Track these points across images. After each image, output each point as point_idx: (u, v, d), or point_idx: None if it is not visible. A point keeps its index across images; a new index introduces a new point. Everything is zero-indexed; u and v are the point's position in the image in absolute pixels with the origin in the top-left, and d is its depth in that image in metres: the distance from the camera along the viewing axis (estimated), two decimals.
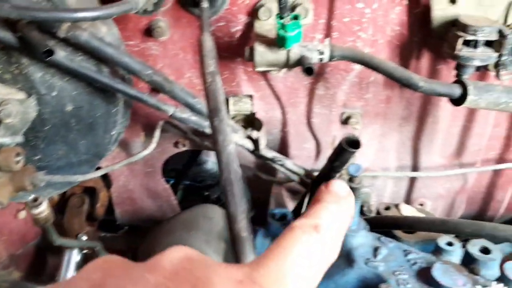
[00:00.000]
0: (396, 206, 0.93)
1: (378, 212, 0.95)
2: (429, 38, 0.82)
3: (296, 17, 0.68)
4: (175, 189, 1.26)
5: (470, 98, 0.72)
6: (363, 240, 0.74)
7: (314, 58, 0.72)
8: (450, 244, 0.74)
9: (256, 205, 1.11)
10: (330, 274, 0.72)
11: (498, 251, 0.77)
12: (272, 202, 1.03)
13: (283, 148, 0.95)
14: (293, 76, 0.85)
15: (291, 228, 0.38)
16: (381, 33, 0.81)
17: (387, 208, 0.94)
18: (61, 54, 0.65)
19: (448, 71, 0.84)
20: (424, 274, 0.68)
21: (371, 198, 1.04)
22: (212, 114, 0.52)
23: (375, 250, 0.72)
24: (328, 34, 0.80)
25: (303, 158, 0.95)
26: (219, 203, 1.25)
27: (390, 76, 0.72)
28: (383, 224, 0.86)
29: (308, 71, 0.68)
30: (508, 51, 0.77)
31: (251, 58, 0.72)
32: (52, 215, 0.75)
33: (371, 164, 1.00)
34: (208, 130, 0.76)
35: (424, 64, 0.86)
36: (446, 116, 0.93)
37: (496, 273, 0.74)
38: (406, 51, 0.84)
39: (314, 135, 0.93)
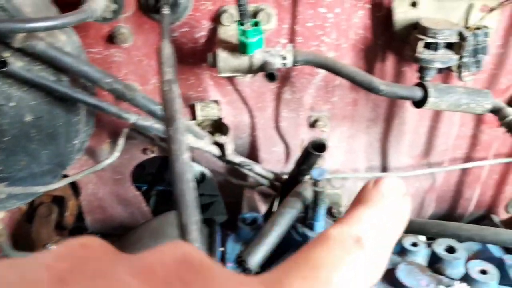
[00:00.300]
0: None
1: None
2: (393, 41, 0.83)
3: (256, 24, 0.68)
4: (148, 195, 1.25)
5: (431, 100, 0.73)
6: None
7: (276, 64, 0.72)
8: (415, 244, 0.75)
9: (230, 210, 1.11)
10: None
11: (463, 250, 0.79)
12: (245, 206, 1.03)
13: (253, 152, 0.95)
14: (259, 80, 0.85)
15: (326, 238, 0.29)
16: (344, 37, 0.81)
17: None
18: (18, 65, 0.63)
19: (412, 73, 0.86)
20: (388, 275, 0.69)
21: (342, 200, 1.06)
22: (167, 123, 0.52)
23: None
24: (292, 39, 0.80)
25: (273, 161, 0.95)
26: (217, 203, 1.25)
27: (352, 80, 0.73)
28: None
29: (270, 76, 0.68)
30: (469, 53, 0.79)
31: (214, 64, 0.72)
32: (5, 231, 0.74)
33: (341, 165, 1.01)
34: None
35: (389, 66, 0.87)
36: (412, 117, 0.94)
37: (462, 271, 0.76)
38: (371, 54, 0.85)
39: (283, 139, 0.93)
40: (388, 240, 0.32)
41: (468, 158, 1.02)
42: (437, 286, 0.67)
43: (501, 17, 0.82)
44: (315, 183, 0.69)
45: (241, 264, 0.65)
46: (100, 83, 0.67)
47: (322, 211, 0.73)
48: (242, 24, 0.66)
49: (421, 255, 0.74)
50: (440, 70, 0.84)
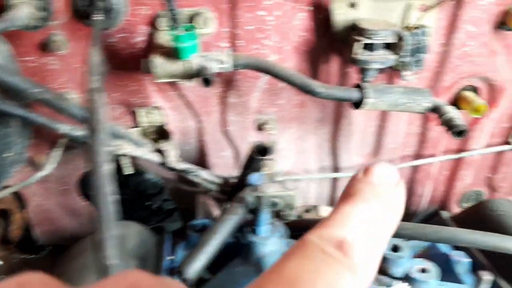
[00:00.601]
0: (315, 208, 0.94)
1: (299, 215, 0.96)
2: (335, 43, 0.83)
3: (190, 28, 0.66)
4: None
5: (369, 101, 0.73)
6: (274, 247, 0.74)
7: (214, 68, 0.71)
8: None
9: (185, 216, 1.09)
10: (238, 284, 0.72)
11: (408, 248, 0.79)
12: (199, 212, 1.02)
13: (202, 157, 0.94)
14: None
15: (302, 246, 0.25)
16: (286, 40, 0.81)
17: (308, 211, 0.95)
18: None
19: (356, 74, 0.86)
20: None
21: (296, 201, 1.05)
22: (89, 134, 0.51)
23: None
24: (233, 42, 0.79)
25: (223, 166, 0.94)
26: (161, 212, 1.22)
27: (290, 83, 0.73)
28: (301, 228, 0.87)
29: (206, 82, 0.67)
30: (408, 53, 0.80)
31: (148, 70, 0.70)
32: None
33: (293, 167, 1.01)
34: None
35: (334, 67, 0.87)
36: (360, 117, 0.95)
37: (406, 270, 0.77)
38: (315, 56, 0.85)
39: (231, 143, 0.92)
40: (379, 240, 0.27)
41: (417, 156, 1.04)
42: (377, 286, 0.67)
43: (441, 15, 0.83)
44: (254, 188, 0.68)
45: (178, 274, 0.64)
46: (28, 93, 0.64)
47: (264, 215, 0.73)
48: (174, 29, 0.65)
49: None
50: (382, 70, 0.85)
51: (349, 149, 1.00)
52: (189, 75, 0.71)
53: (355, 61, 0.75)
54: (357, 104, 0.75)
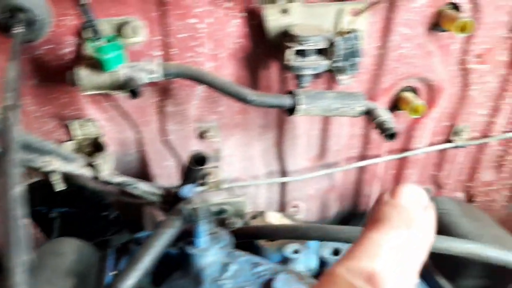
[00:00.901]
0: (261, 214, 0.94)
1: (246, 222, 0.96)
2: (272, 49, 0.83)
3: (113, 39, 0.65)
4: (49, 218, 1.18)
5: (301, 107, 0.73)
6: (213, 258, 0.73)
7: (143, 79, 0.69)
8: (296, 251, 0.76)
9: (133, 229, 1.07)
10: None
11: None
12: (147, 224, 1.00)
13: (144, 168, 0.92)
14: None
15: (331, 276, 0.24)
16: (221, 47, 0.80)
17: (254, 217, 0.94)
18: None
19: (294, 80, 0.86)
20: (267, 287, 0.69)
21: (246, 207, 1.05)
22: (1, 154, 0.48)
23: (224, 267, 0.72)
24: (166, 50, 0.78)
25: (166, 176, 0.93)
26: (119, 221, 1.19)
27: (223, 92, 0.72)
28: (247, 235, 0.86)
29: (132, 93, 0.65)
30: (341, 57, 0.80)
31: (73, 82, 0.68)
32: None
33: (240, 173, 1.00)
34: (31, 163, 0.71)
35: (273, 73, 0.87)
36: (303, 121, 0.95)
37: None
38: (253, 62, 0.85)
39: (173, 152, 0.90)
40: (410, 269, 0.25)
41: (362, 157, 1.05)
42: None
43: (375, 19, 0.84)
44: (187, 200, 0.67)
45: None
46: None
47: (202, 227, 0.72)
48: (95, 40, 0.63)
49: (302, 262, 0.74)
50: (318, 75, 0.85)
51: (295, 153, 1.00)
52: (117, 87, 0.69)
53: (288, 68, 0.75)
54: (290, 111, 0.75)
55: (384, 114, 0.76)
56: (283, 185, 1.05)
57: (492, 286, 0.75)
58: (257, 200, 1.06)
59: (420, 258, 0.26)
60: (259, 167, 1.01)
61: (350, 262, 0.24)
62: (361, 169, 1.07)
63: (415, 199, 0.28)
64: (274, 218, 0.92)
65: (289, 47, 0.74)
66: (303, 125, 0.96)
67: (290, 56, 0.74)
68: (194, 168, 0.74)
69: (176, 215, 0.73)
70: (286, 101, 0.73)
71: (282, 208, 1.09)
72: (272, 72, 0.87)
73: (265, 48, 0.83)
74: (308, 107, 0.73)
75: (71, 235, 0.92)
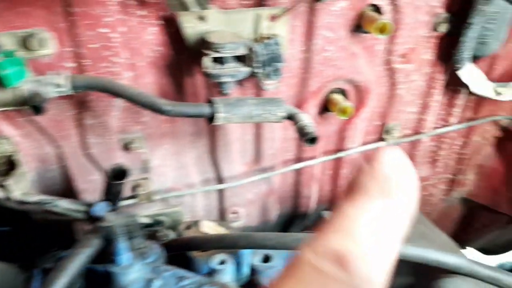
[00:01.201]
0: (195, 223, 0.92)
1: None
2: (193, 56, 0.81)
3: (10, 54, 0.61)
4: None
5: (220, 115, 0.72)
6: (136, 275, 0.71)
7: (50, 93, 0.66)
8: (222, 262, 0.75)
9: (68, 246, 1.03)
10: None
11: (280, 258, 0.80)
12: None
13: (68, 183, 0.88)
14: (54, 108, 0.78)
15: (297, 262, 0.22)
16: (139, 56, 0.78)
17: (189, 227, 0.93)
18: None
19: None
20: None
21: (183, 216, 1.03)
22: None
23: (148, 283, 0.70)
24: (79, 62, 0.75)
25: (92, 190, 0.89)
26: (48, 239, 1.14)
27: (136, 103, 0.70)
28: (179, 247, 0.85)
29: (35, 109, 0.62)
30: (262, 63, 0.79)
31: None
32: None
33: (174, 182, 0.98)
34: None
35: (199, 80, 0.85)
36: (235, 127, 0.94)
37: None
38: (176, 70, 0.83)
39: (98, 166, 0.87)
40: (388, 247, 0.22)
41: (298, 159, 1.05)
42: None
43: (298, 23, 0.84)
44: (101, 219, 0.64)
45: None
46: None
47: (121, 244, 0.69)
48: None
49: (228, 273, 0.73)
50: (241, 81, 0.84)
51: (230, 159, 0.99)
52: (22, 102, 0.65)
53: (207, 75, 0.74)
54: (210, 119, 0.73)
55: (304, 119, 0.76)
56: (220, 191, 1.04)
57: (417, 283, 0.77)
58: (195, 208, 1.04)
59: (401, 230, 0.23)
60: (194, 175, 0.99)
61: (318, 243, 0.22)
62: (298, 171, 1.08)
63: (394, 164, 0.25)
64: (208, 228, 0.91)
65: (206, 55, 0.72)
66: (236, 131, 0.95)
67: (207, 64, 0.73)
68: (113, 183, 0.72)
69: (93, 233, 0.70)
70: (205, 110, 0.72)
71: (221, 214, 1.08)
72: (198, 79, 0.85)
73: (187, 55, 0.81)
74: (227, 115, 0.72)
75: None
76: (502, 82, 1.04)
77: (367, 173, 0.25)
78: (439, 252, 0.69)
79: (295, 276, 0.21)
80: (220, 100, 0.73)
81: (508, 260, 1.88)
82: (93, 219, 0.84)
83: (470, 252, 1.57)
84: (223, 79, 0.74)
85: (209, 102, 0.74)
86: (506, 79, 1.05)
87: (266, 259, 0.78)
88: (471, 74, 0.97)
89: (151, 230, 0.96)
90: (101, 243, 0.70)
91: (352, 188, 0.25)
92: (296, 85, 0.93)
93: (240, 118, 0.73)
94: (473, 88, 0.99)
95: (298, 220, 1.17)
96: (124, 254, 0.70)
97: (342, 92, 0.98)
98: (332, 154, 1.06)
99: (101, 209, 0.65)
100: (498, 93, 1.00)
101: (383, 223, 0.23)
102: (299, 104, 0.95)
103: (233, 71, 0.74)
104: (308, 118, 0.77)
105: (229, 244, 0.76)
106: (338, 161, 1.09)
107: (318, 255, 0.21)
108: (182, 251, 0.84)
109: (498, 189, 1.19)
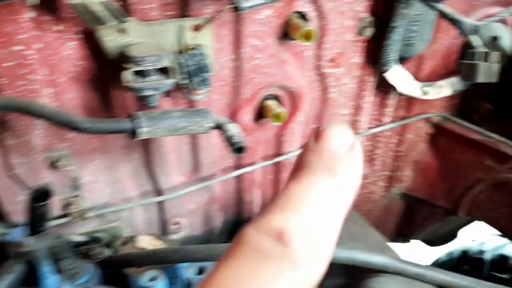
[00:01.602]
0: (132, 239, 0.91)
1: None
2: (117, 69, 0.79)
3: None
4: None
5: (143, 130, 0.71)
6: None
7: None
8: (153, 279, 0.74)
9: None
10: None
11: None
12: None
13: None
14: None
15: (238, 239, 0.22)
16: (59, 72, 0.76)
17: (125, 243, 0.91)
18: None
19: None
20: None
21: (122, 231, 1.01)
22: None
23: None
24: None
25: (20, 212, 0.86)
26: None
27: (54, 122, 0.68)
28: (114, 264, 0.83)
29: None
30: (188, 74, 0.79)
31: None
32: None
33: (110, 198, 0.96)
34: None
35: (127, 94, 0.83)
36: (169, 138, 0.93)
37: None
38: (101, 84, 0.81)
39: (24, 186, 0.84)
40: (330, 222, 0.22)
41: (239, 166, 1.06)
42: None
43: (225, 32, 0.84)
44: (16, 245, 0.62)
45: None
46: None
47: (45, 268, 0.67)
48: None
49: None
50: (168, 93, 0.84)
51: (168, 170, 0.98)
52: None
53: (129, 89, 0.73)
54: (133, 135, 0.72)
55: (232, 129, 0.76)
56: (160, 204, 1.03)
57: (348, 284, 0.79)
58: (135, 222, 1.03)
59: (344, 207, 0.24)
60: (130, 189, 0.97)
61: (261, 220, 0.22)
62: (239, 178, 1.08)
63: (340, 141, 0.25)
64: (145, 242, 0.89)
65: (126, 69, 0.71)
66: (171, 142, 0.94)
67: (128, 78, 0.71)
68: (36, 205, 0.69)
69: (15, 258, 0.68)
70: (126, 125, 0.71)
71: (163, 227, 1.07)
72: (126, 92, 0.83)
73: (112, 69, 0.80)
74: (151, 129, 0.71)
75: None
76: (430, 82, 1.08)
77: (313, 150, 0.25)
78: (366, 253, 0.71)
79: (235, 255, 0.21)
80: (142, 114, 0.72)
81: (456, 248, 1.97)
82: (14, 244, 0.81)
83: (416, 245, 1.63)
84: (146, 93, 0.73)
85: (130, 116, 0.72)
86: (434, 79, 1.10)
87: (201, 271, 0.78)
88: (398, 76, 1.01)
89: (88, 248, 0.93)
90: (24, 268, 0.67)
91: (298, 165, 0.25)
92: (229, 93, 0.93)
93: (165, 131, 0.73)
94: (400, 89, 1.02)
95: (243, 226, 1.17)
96: (50, 277, 0.68)
97: (276, 98, 0.99)
98: (271, 159, 1.07)
99: (19, 233, 0.63)
100: (425, 93, 1.04)
101: (326, 201, 0.23)
102: (234, 112, 0.96)
103: (156, 84, 0.73)
104: (236, 128, 0.78)
105: (160, 259, 0.75)
106: (278, 166, 1.11)
107: (260, 233, 0.21)
108: (117, 268, 0.82)
109: (434, 183, 1.24)
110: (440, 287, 0.75)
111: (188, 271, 0.77)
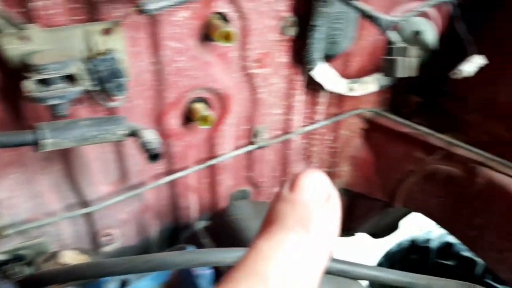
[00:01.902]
0: (55, 254, 0.87)
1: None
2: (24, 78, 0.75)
3: None
4: None
5: (47, 142, 0.68)
6: None
7: None
8: None
9: None
10: None
11: (138, 280, 0.77)
12: None
13: None
14: None
15: None
16: None
17: (47, 260, 0.87)
18: None
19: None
20: None
21: (48, 247, 0.96)
22: None
23: None
24: None
25: None
26: None
27: None
28: (34, 283, 0.78)
29: None
30: (99, 80, 0.76)
31: None
32: None
33: (31, 213, 0.91)
34: None
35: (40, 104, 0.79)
36: (89, 147, 0.89)
37: None
38: (9, 95, 0.76)
39: None
40: (304, 283, 0.20)
41: (170, 171, 1.03)
42: None
43: (142, 35, 0.81)
44: None
45: None
46: None
47: None
48: None
49: None
50: (80, 101, 0.80)
51: (92, 181, 0.94)
52: None
53: (32, 99, 0.69)
54: (37, 147, 0.68)
55: (148, 135, 0.74)
56: (87, 216, 0.98)
57: None
58: (62, 237, 0.98)
59: (319, 266, 0.22)
60: (53, 203, 0.93)
61: (227, 284, 0.19)
62: (172, 184, 1.05)
63: (315, 190, 0.24)
64: (69, 257, 0.85)
65: (27, 78, 0.67)
66: (92, 151, 0.90)
67: (30, 87, 0.67)
68: None
69: None
70: (28, 137, 0.67)
71: (93, 239, 1.02)
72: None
73: (18, 79, 0.75)
74: (56, 140, 0.68)
75: None
76: (357, 78, 1.10)
77: (286, 200, 0.23)
78: None
79: None
80: (46, 125, 0.68)
81: (405, 239, 2.02)
82: None
83: (361, 238, 1.66)
84: (51, 102, 0.69)
85: (32, 128, 0.69)
86: (362, 75, 1.12)
87: (123, 284, 0.75)
88: (324, 73, 1.02)
89: (9, 267, 0.88)
90: None
91: (269, 218, 0.23)
92: (153, 98, 0.90)
93: (73, 141, 0.69)
94: (327, 86, 1.03)
95: (181, 232, 1.15)
96: None
97: (205, 101, 0.97)
98: (204, 162, 1.05)
99: None
100: (351, 89, 1.06)
101: (299, 261, 0.21)
102: (160, 116, 0.93)
103: (61, 92, 0.69)
104: (152, 134, 0.75)
105: (78, 275, 0.71)
106: (212, 168, 1.09)
107: None
108: (37, 287, 0.78)
109: (370, 177, 1.26)
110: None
111: (109, 285, 0.74)
